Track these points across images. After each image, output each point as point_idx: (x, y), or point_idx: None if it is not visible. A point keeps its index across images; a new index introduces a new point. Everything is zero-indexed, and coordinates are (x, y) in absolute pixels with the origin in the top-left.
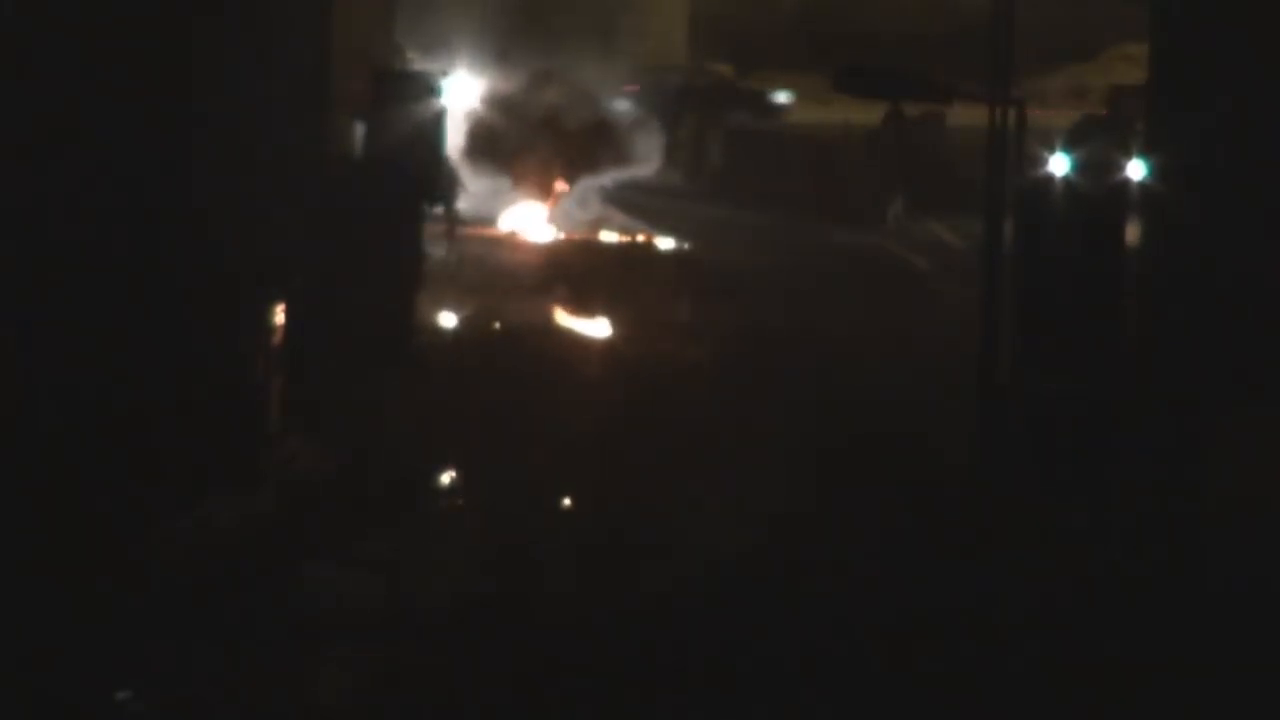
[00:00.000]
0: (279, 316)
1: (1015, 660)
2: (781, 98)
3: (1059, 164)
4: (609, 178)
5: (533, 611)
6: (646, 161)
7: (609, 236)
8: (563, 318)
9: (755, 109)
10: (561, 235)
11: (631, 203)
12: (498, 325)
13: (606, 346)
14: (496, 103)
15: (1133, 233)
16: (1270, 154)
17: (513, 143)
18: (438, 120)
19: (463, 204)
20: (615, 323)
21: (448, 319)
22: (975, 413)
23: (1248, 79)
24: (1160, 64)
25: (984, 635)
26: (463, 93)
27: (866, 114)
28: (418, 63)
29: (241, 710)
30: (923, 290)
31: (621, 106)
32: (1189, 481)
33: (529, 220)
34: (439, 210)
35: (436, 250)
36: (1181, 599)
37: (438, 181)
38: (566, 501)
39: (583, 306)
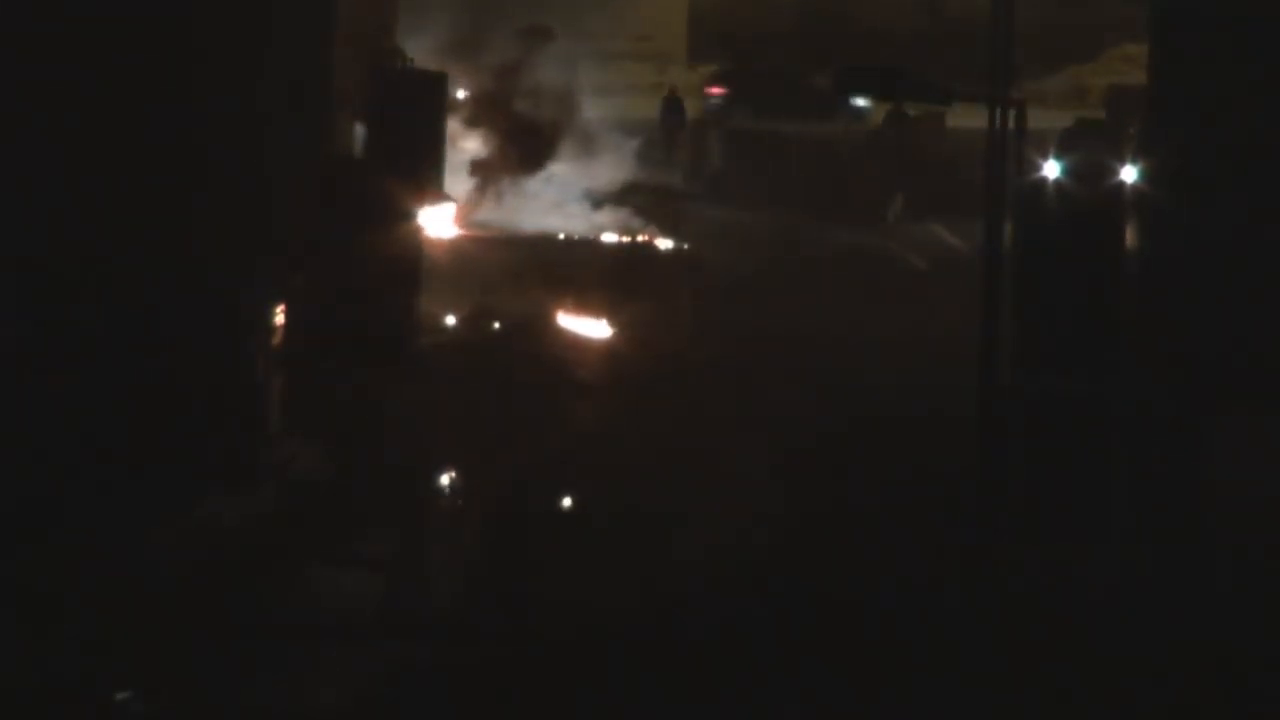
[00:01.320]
0: (279, 316)
1: (1012, 659)
2: (860, 102)
3: (1051, 168)
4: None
5: (531, 611)
6: (603, 162)
7: (609, 236)
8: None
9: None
10: (466, 232)
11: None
12: (496, 325)
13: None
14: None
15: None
16: (1269, 155)
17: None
18: (437, 120)
19: None
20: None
21: (448, 319)
22: (975, 413)
23: (1247, 80)
24: (1159, 65)
25: (982, 634)
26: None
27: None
28: (418, 62)
29: (241, 710)
30: (922, 290)
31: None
32: (1189, 481)
33: (433, 216)
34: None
35: None
36: (1181, 599)
37: (437, 181)
38: (567, 501)
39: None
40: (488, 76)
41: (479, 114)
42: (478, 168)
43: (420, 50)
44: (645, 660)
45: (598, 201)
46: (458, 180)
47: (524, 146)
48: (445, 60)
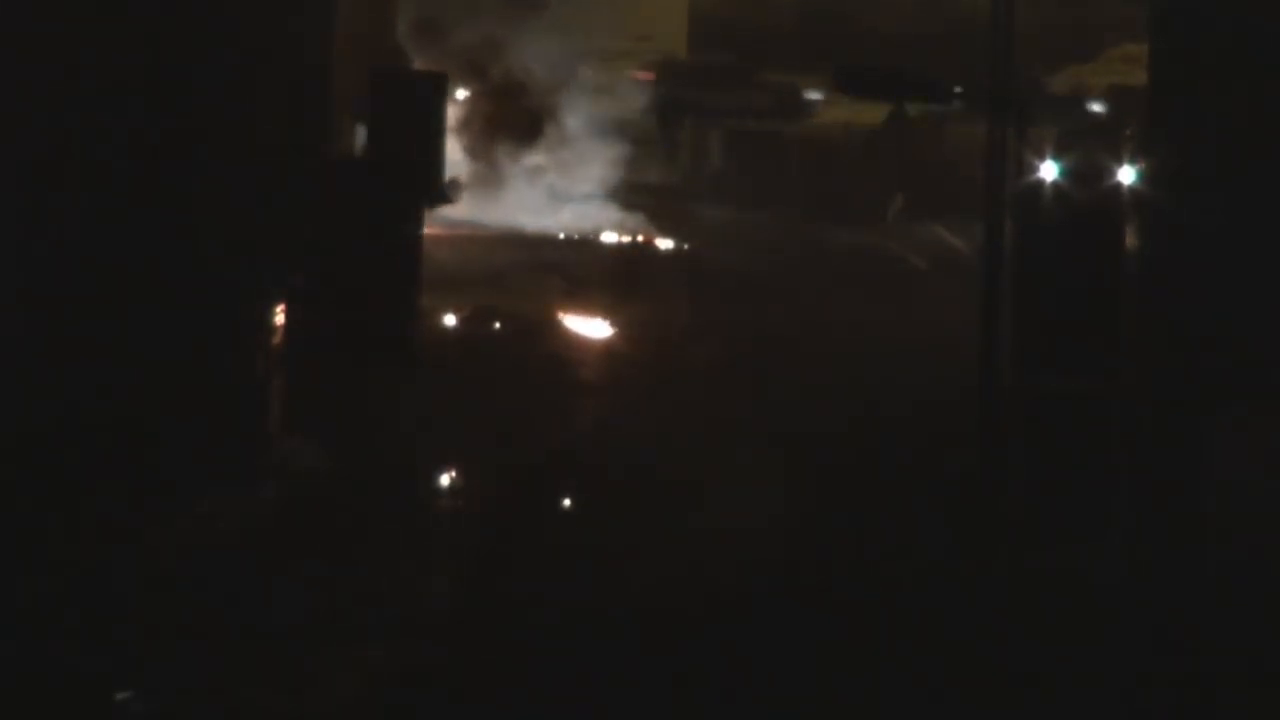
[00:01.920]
0: (279, 316)
1: (1011, 658)
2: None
3: (1048, 170)
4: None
5: (528, 610)
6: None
7: (609, 236)
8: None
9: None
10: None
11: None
12: (497, 325)
13: None
14: None
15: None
16: (1268, 155)
17: None
18: (437, 120)
19: None
20: None
21: (447, 318)
22: (975, 412)
23: (1247, 80)
24: (1159, 65)
25: (980, 631)
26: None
27: (867, 114)
28: (417, 63)
29: (240, 709)
30: (922, 290)
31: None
32: (1189, 481)
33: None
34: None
35: None
36: (1181, 596)
37: (437, 181)
38: (566, 502)
39: None
40: (475, 46)
41: (465, 86)
42: (468, 147)
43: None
44: (643, 659)
45: (570, 199)
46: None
47: (509, 122)
48: (423, 37)
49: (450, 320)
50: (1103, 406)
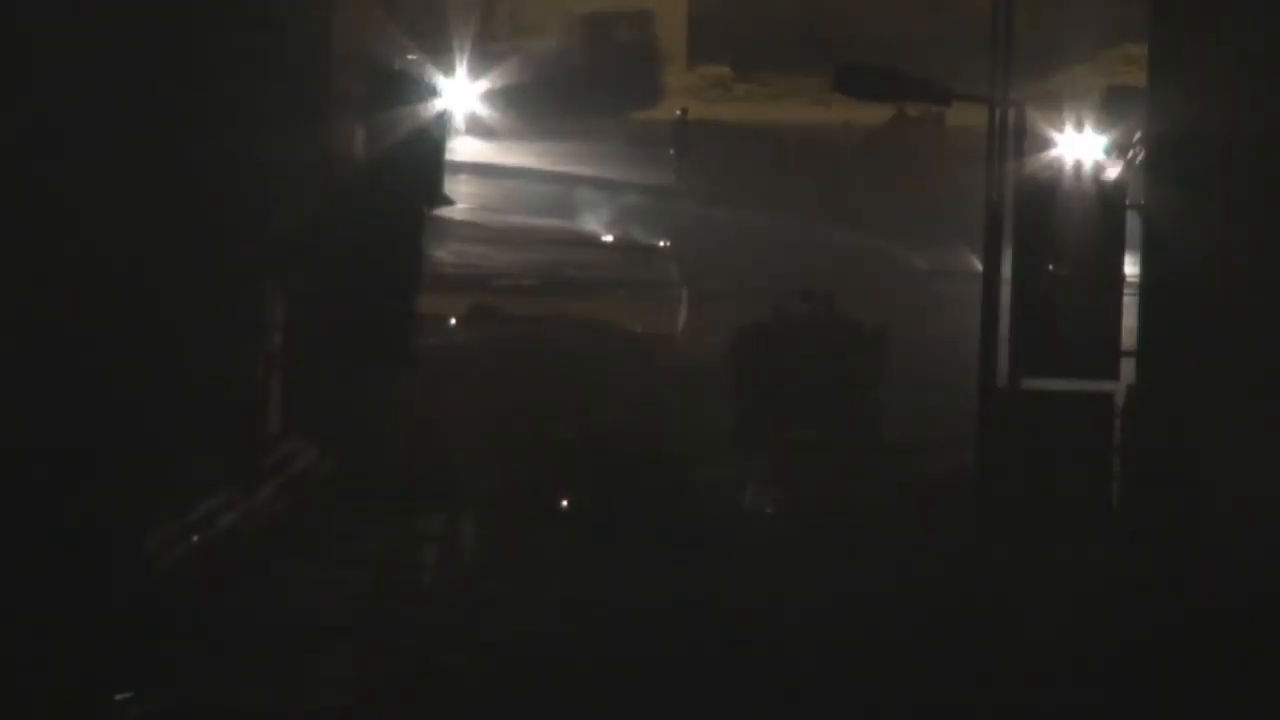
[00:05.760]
0: (279, 316)
1: (1010, 660)
2: None
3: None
4: None
5: (525, 611)
6: None
7: (607, 236)
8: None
9: None
10: None
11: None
12: (497, 325)
13: None
14: None
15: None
16: (1269, 154)
17: None
18: (438, 121)
19: None
20: None
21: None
22: (975, 413)
23: (1247, 79)
24: (1159, 64)
25: (980, 635)
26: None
27: (866, 114)
28: (419, 63)
29: (240, 711)
30: (923, 290)
31: None
32: (1189, 482)
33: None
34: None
35: None
36: (1180, 599)
37: (439, 182)
38: (565, 503)
39: None
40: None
41: None
42: None
43: None
44: (644, 663)
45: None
46: (456, 181)
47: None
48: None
49: (451, 320)
50: (1103, 407)
